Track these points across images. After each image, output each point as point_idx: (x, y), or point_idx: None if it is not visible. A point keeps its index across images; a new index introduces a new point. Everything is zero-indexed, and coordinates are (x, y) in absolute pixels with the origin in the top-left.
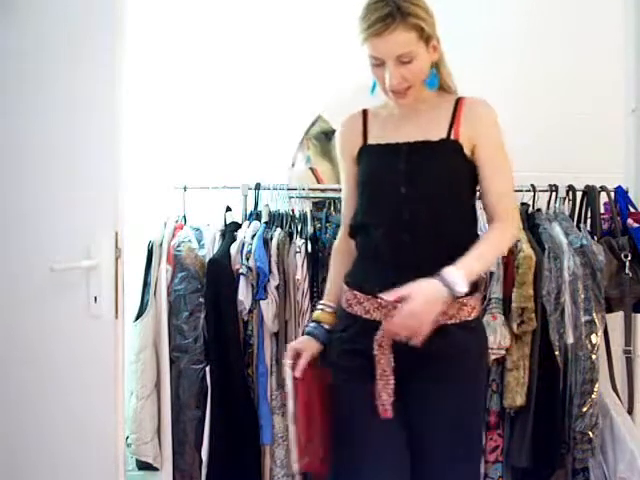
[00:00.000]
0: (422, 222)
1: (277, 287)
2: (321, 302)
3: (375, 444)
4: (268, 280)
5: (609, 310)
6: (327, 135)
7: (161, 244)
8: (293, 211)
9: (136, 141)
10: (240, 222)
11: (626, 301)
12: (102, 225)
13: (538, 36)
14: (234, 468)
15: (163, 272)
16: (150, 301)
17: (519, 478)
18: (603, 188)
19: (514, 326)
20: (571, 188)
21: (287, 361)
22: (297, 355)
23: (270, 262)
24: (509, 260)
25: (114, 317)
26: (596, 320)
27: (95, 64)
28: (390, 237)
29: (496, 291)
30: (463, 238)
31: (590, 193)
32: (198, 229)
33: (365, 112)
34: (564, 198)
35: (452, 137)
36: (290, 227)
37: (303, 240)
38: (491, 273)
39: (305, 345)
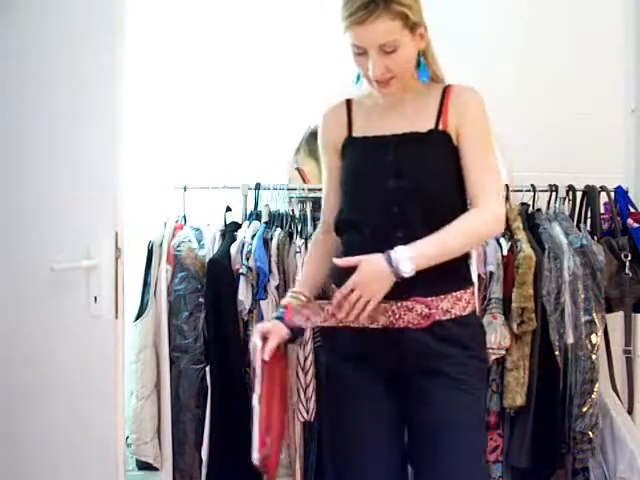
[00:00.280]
0: (412, 216)
1: (277, 287)
2: (293, 290)
3: (370, 445)
4: (268, 280)
5: (609, 310)
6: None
7: (161, 244)
8: (293, 211)
9: (136, 141)
10: (240, 222)
11: (626, 301)
12: (102, 225)
13: (538, 36)
14: (234, 468)
15: (163, 272)
16: (150, 301)
17: (519, 478)
18: (603, 188)
19: (514, 326)
20: (571, 188)
21: (256, 341)
22: (264, 337)
23: (270, 262)
24: (509, 260)
25: (114, 317)
26: (596, 320)
27: (95, 64)
28: (380, 234)
29: (496, 291)
30: None
31: (590, 193)
32: (198, 229)
33: (349, 102)
34: (564, 198)
35: (440, 128)
36: (290, 227)
37: (303, 240)
38: (491, 273)
39: (274, 329)
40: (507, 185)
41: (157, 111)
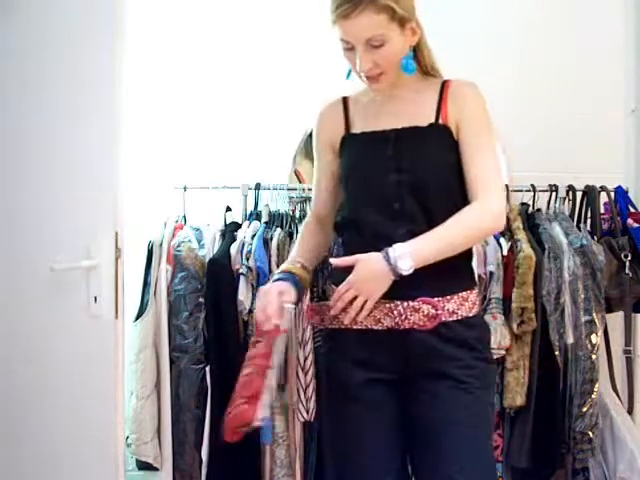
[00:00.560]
0: (414, 212)
1: None
2: (293, 258)
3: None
4: (268, 280)
5: (609, 310)
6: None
7: (161, 244)
8: (293, 211)
9: (136, 141)
10: (240, 222)
11: (626, 301)
12: (102, 225)
13: (538, 36)
14: (234, 468)
15: (163, 272)
16: (150, 301)
17: (519, 478)
18: (603, 188)
19: (514, 326)
20: (571, 188)
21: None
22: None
23: (270, 262)
24: (509, 260)
25: (114, 317)
26: (596, 320)
27: (95, 64)
28: (381, 233)
29: (496, 291)
30: None
31: (590, 193)
32: (198, 229)
33: (345, 99)
34: (564, 198)
35: (441, 122)
36: (290, 227)
37: None
38: (491, 273)
39: (286, 292)
40: (507, 185)
41: (157, 111)
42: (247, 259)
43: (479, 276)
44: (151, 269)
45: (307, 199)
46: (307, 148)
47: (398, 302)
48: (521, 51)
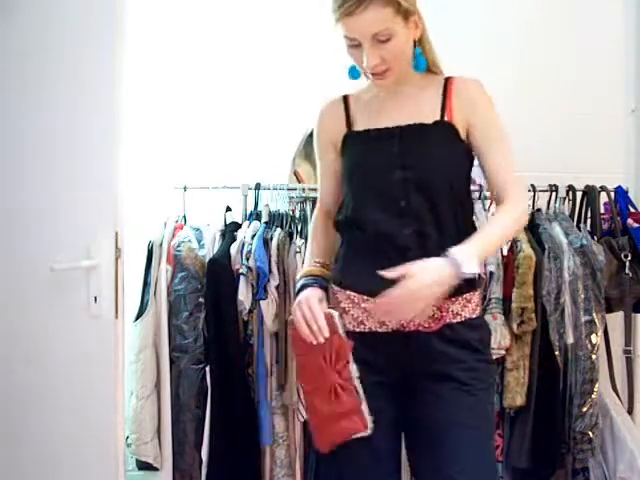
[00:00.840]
0: (420, 210)
1: (277, 287)
2: (315, 260)
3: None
4: (268, 280)
5: (609, 310)
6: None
7: (161, 244)
8: (293, 211)
9: (136, 141)
10: (240, 222)
11: (626, 301)
12: (102, 225)
13: (538, 36)
14: (234, 468)
15: (163, 272)
16: (150, 301)
17: (519, 478)
18: (603, 188)
19: (514, 326)
20: (571, 188)
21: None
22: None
23: (270, 262)
24: (509, 260)
25: (114, 317)
26: (596, 320)
27: (95, 64)
28: (386, 232)
29: (496, 291)
30: (461, 226)
31: (590, 193)
32: (198, 229)
33: (346, 97)
34: (564, 198)
35: (446, 119)
36: (290, 227)
37: (303, 240)
38: (491, 273)
39: (320, 299)
40: None
41: (157, 111)
42: (247, 259)
43: (479, 276)
44: (151, 269)
45: (307, 199)
46: (306, 150)
47: None
48: (521, 51)
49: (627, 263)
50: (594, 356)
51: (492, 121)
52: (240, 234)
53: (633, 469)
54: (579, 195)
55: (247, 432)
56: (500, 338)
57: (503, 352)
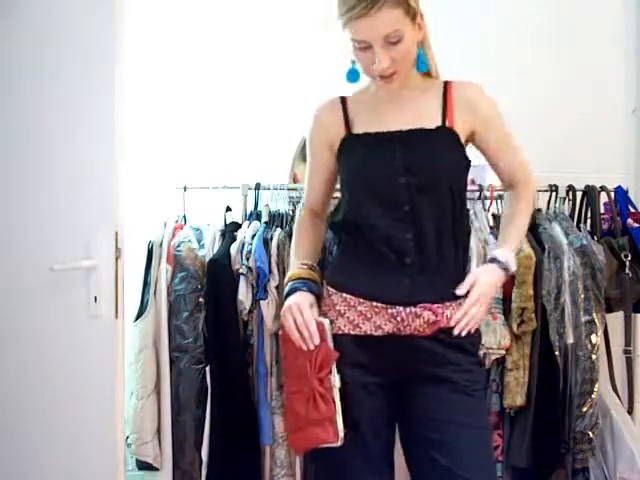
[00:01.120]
0: (423, 215)
1: (277, 287)
2: (303, 262)
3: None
4: (268, 280)
5: (609, 310)
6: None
7: (161, 244)
8: (293, 211)
9: (136, 141)
10: (240, 222)
11: (626, 301)
12: (102, 225)
13: (538, 36)
14: (234, 468)
15: (163, 272)
16: (150, 301)
17: (519, 478)
18: (603, 188)
19: (514, 326)
20: (571, 188)
21: (312, 330)
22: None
23: (270, 262)
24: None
25: (114, 317)
26: (596, 320)
27: (95, 64)
28: (387, 237)
29: None
30: (458, 232)
31: (590, 193)
32: (198, 229)
33: (343, 99)
34: (564, 198)
35: (447, 125)
36: (290, 227)
37: None
38: None
39: (311, 304)
40: None
41: (157, 111)
42: (247, 259)
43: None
44: (151, 269)
45: None
46: (304, 153)
47: (400, 308)
48: (521, 51)
49: (627, 263)
50: (594, 356)
51: (497, 121)
52: (240, 234)
53: (633, 469)
54: (579, 195)
55: (247, 432)
56: (500, 338)
57: (503, 352)
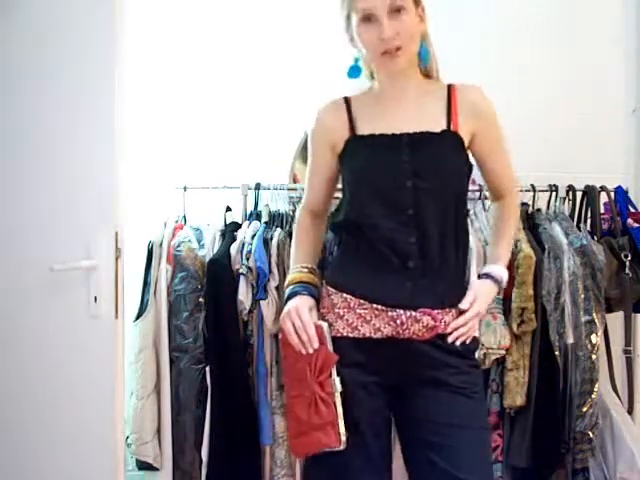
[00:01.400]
0: (427, 219)
1: (277, 287)
2: (302, 265)
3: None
4: (268, 280)
5: (609, 310)
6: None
7: (161, 244)
8: (293, 211)
9: (136, 141)
10: (240, 222)
11: (626, 301)
12: (102, 225)
13: (538, 36)
14: (234, 468)
15: (163, 272)
16: (150, 301)
17: (519, 478)
18: (603, 188)
19: (514, 326)
20: (571, 188)
21: (312, 333)
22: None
23: (270, 262)
24: (509, 260)
25: (114, 317)
26: (596, 320)
27: (95, 64)
28: (390, 239)
29: None
30: (459, 236)
31: (590, 193)
32: (198, 229)
33: (347, 100)
34: (564, 198)
35: (452, 129)
36: (290, 227)
37: None
38: None
39: (310, 307)
40: None
41: (157, 111)
42: (247, 259)
43: (479, 276)
44: (151, 269)
45: None
46: (303, 154)
47: (401, 311)
48: (521, 51)
49: (627, 263)
50: (594, 356)
51: (495, 125)
52: (240, 234)
53: (633, 469)
54: (579, 195)
55: (247, 432)
56: (500, 338)
57: (503, 352)
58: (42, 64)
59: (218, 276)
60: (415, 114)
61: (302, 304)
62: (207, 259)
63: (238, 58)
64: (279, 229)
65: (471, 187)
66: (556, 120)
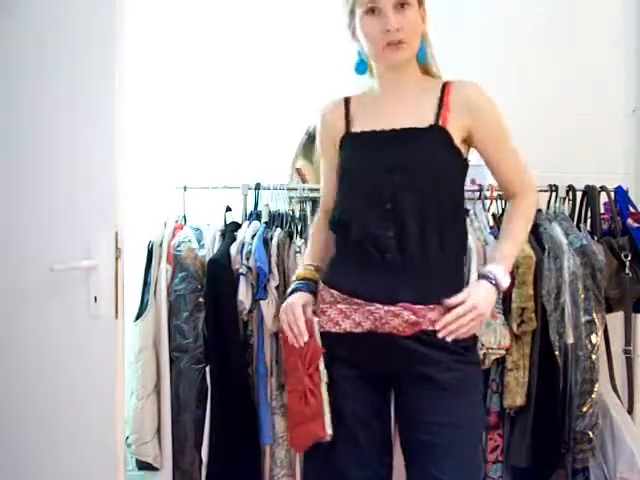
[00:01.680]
0: (405, 213)
1: (277, 287)
2: (308, 263)
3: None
4: (268, 280)
5: (609, 310)
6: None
7: (161, 244)
8: (293, 211)
9: (136, 141)
10: (240, 222)
11: (626, 301)
12: (102, 225)
13: (538, 36)
14: (234, 468)
15: (163, 272)
16: (150, 301)
17: (519, 478)
18: (603, 188)
19: (514, 326)
20: (571, 188)
21: (301, 327)
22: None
23: (270, 262)
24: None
25: (114, 317)
26: (596, 320)
27: (95, 64)
28: (369, 233)
29: None
30: (447, 232)
31: (590, 193)
32: (198, 229)
33: (347, 99)
34: (564, 198)
35: (440, 124)
36: (290, 227)
37: (303, 240)
38: None
39: (305, 303)
40: None
41: (157, 111)
42: (247, 259)
43: (479, 276)
44: (151, 269)
45: (307, 199)
46: (305, 150)
47: (379, 305)
48: (521, 51)
49: (627, 263)
50: (594, 356)
51: (496, 121)
52: (240, 234)
53: (633, 469)
54: (579, 195)
55: (247, 432)
56: (500, 338)
57: (503, 352)
58: (42, 64)
59: (218, 276)
60: (408, 111)
61: (297, 299)
62: (207, 259)
63: (238, 58)
64: (279, 229)
65: (471, 187)
66: (556, 120)
